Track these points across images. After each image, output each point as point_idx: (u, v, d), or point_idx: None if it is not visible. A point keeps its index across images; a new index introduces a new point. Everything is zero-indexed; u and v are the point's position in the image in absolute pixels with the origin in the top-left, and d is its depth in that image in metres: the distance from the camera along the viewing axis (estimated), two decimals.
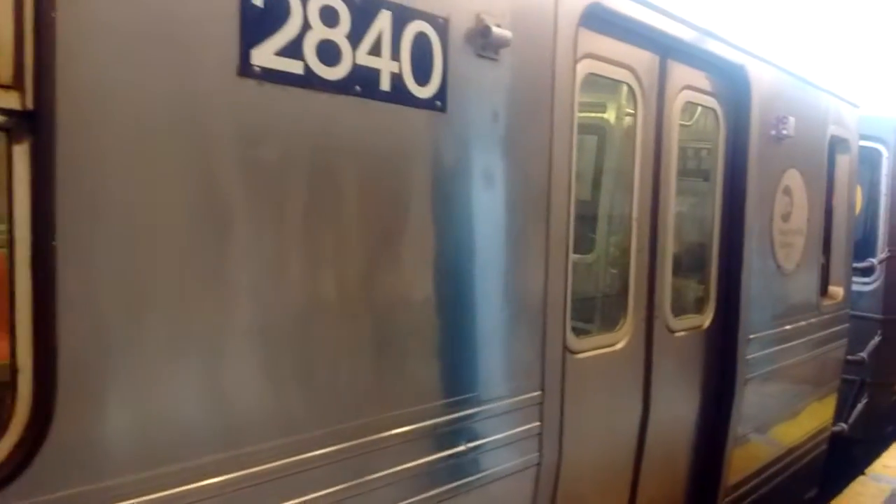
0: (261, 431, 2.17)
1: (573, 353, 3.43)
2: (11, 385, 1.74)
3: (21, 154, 1.67)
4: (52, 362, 1.74)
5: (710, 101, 4.51)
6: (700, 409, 4.67)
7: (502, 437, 2.98)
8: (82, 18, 1.72)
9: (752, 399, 4.85)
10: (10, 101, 1.64)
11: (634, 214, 3.94)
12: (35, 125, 1.67)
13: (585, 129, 4.66)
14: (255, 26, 2.03)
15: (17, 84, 1.64)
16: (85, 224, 1.77)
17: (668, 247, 4.25)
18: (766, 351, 4.97)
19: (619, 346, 3.84)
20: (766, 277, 4.92)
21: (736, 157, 4.54)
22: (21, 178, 1.68)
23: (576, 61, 3.11)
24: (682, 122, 6.54)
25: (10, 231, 1.69)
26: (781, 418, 5.52)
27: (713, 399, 4.71)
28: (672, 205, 4.28)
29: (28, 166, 1.68)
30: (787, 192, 5.05)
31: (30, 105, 1.66)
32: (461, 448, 2.80)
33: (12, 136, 1.67)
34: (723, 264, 4.64)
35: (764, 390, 5.06)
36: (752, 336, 4.75)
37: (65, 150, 1.70)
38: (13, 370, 1.73)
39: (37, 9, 1.64)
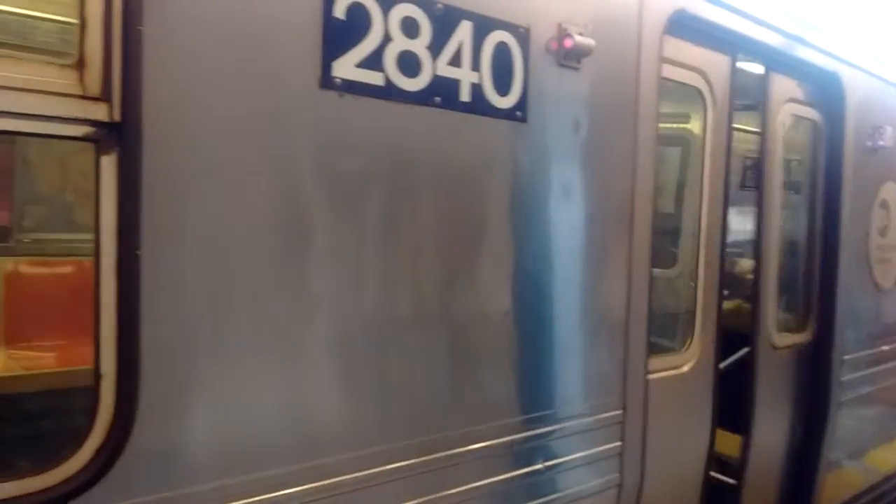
0: (338, 442, 2.17)
1: (653, 371, 3.32)
2: (95, 390, 1.78)
3: (108, 165, 1.71)
4: (135, 369, 1.77)
5: (810, 112, 4.33)
6: (792, 432, 4.47)
7: (581, 457, 2.89)
8: (168, 32, 1.75)
9: (846, 423, 4.61)
10: (99, 112, 1.67)
11: (703, 227, 3.76)
12: (122, 136, 1.70)
13: (668, 140, 4.53)
14: (337, 39, 2.03)
15: (105, 96, 1.68)
16: (168, 234, 1.80)
17: (773, 262, 4.08)
18: (862, 372, 4.72)
19: (687, 367, 3.68)
20: (862, 295, 4.69)
21: (830, 169, 4.34)
22: (108, 189, 1.71)
23: (660, 70, 3.02)
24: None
25: (97, 240, 1.73)
26: (877, 444, 5.25)
27: (805, 421, 4.50)
28: (777, 219, 4.05)
29: (115, 177, 1.71)
30: (884, 205, 4.81)
31: (117, 117, 1.69)
32: (538, 467, 2.73)
33: (100, 147, 1.70)
34: (817, 280, 4.45)
35: (859, 414, 4.81)
36: (846, 357, 4.53)
37: (150, 161, 1.74)
38: (97, 375, 1.77)
39: (125, 23, 1.68)
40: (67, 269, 5.33)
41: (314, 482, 2.10)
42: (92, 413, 1.78)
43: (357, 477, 2.20)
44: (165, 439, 1.84)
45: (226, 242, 1.91)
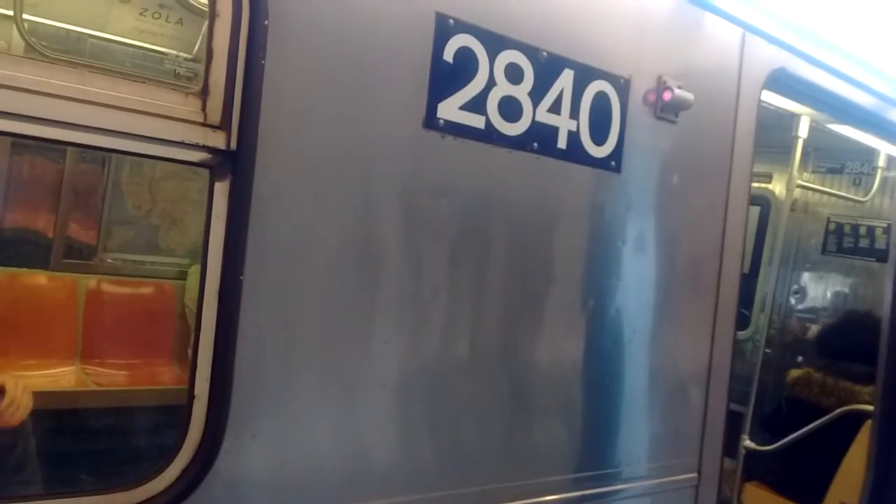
0: (396, 484, 2.15)
1: None
2: (187, 411, 1.80)
3: (221, 191, 1.75)
4: (228, 392, 1.79)
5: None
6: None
7: None
8: (288, 67, 1.80)
9: None
10: (217, 140, 1.72)
11: None
12: (236, 164, 1.75)
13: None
14: (444, 81, 2.07)
15: (224, 125, 1.73)
16: (270, 261, 1.83)
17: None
18: None
19: None
20: None
21: None
22: (219, 214, 1.76)
23: (756, 127, 2.98)
24: (857, 198, 6.22)
25: (204, 263, 1.77)
26: None
27: (880, 499, 4.30)
28: None
29: (226, 203, 1.76)
30: None
31: (233, 146, 1.74)
32: None
33: (215, 174, 1.75)
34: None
35: None
36: None
37: (260, 190, 1.77)
38: (190, 396, 1.79)
39: (248, 55, 1.73)
40: (148, 290, 5.48)
41: None
42: (182, 434, 1.80)
43: None
44: (248, 466, 1.85)
45: (323, 271, 1.94)
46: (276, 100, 1.78)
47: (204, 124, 1.71)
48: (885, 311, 4.32)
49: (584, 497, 2.57)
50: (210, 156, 1.73)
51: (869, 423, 4.54)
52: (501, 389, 2.36)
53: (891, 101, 3.80)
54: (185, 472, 1.78)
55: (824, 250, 6.66)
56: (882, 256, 5.45)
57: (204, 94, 1.71)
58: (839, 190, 6.43)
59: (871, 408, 4.53)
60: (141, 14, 5.14)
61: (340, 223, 1.96)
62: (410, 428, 2.16)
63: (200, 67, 1.76)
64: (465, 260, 2.22)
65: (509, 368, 2.37)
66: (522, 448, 2.42)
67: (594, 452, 2.63)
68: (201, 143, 1.70)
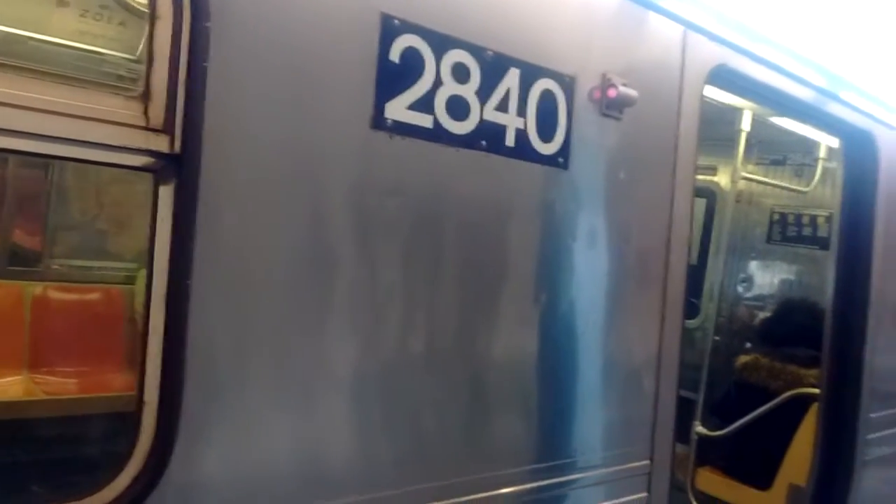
0: (355, 483, 2.15)
1: None
2: (136, 418, 1.78)
3: (166, 195, 1.74)
4: (178, 398, 1.77)
5: (841, 169, 4.35)
6: (813, 489, 4.41)
7: None
8: (232, 69, 1.79)
9: (871, 483, 4.53)
10: (160, 144, 1.71)
11: None
12: (180, 168, 1.73)
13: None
14: (391, 81, 2.07)
15: (167, 128, 1.71)
16: (218, 265, 1.82)
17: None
18: (889, 432, 4.65)
19: None
20: (891, 353, 4.63)
21: (861, 226, 4.33)
22: (164, 218, 1.74)
23: (699, 122, 3.04)
24: (800, 188, 6.39)
25: (150, 268, 1.75)
26: None
27: (828, 480, 4.43)
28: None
29: (171, 207, 1.74)
30: None
31: (177, 149, 1.72)
32: None
33: (159, 178, 1.74)
34: (840, 336, 4.40)
35: (885, 475, 4.72)
36: (873, 415, 4.46)
37: (205, 193, 1.76)
38: (139, 403, 1.77)
39: (190, 58, 1.72)
40: (97, 296, 5.39)
41: None
42: (131, 441, 1.78)
43: None
44: (201, 471, 1.84)
45: (269, 276, 1.93)
46: (220, 102, 1.77)
47: (146, 128, 1.69)
48: (828, 296, 4.46)
49: (540, 488, 2.61)
50: (153, 160, 1.71)
51: (815, 406, 4.68)
52: (457, 385, 2.38)
53: (829, 93, 3.91)
54: (136, 479, 1.76)
55: (769, 239, 6.84)
56: (824, 244, 5.62)
57: (146, 97, 1.69)
58: (782, 181, 6.60)
59: (816, 391, 4.67)
60: (82, 16, 5.03)
61: (290, 225, 1.95)
62: (366, 427, 2.16)
63: (144, 69, 1.74)
64: (417, 259, 2.23)
65: (464, 365, 2.39)
66: (479, 442, 2.45)
67: (549, 444, 2.67)
68: (144, 147, 1.69)
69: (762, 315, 6.71)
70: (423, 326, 2.27)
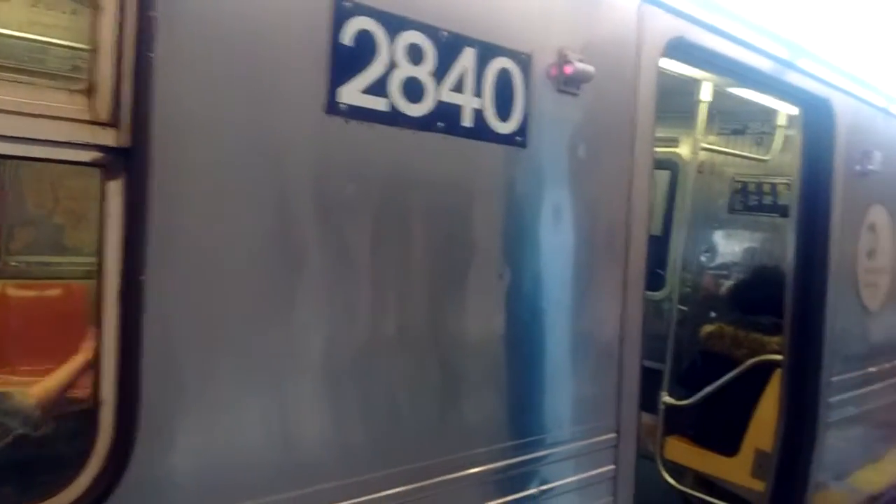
0: (327, 470, 2.15)
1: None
2: (94, 417, 1.75)
3: (115, 190, 1.70)
4: (136, 396, 1.75)
5: (801, 136, 4.39)
6: (780, 453, 4.50)
7: (575, 481, 2.88)
8: (180, 59, 1.75)
9: (833, 444, 4.64)
10: (107, 138, 1.66)
11: None
12: (129, 162, 1.69)
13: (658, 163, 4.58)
14: (344, 65, 2.04)
15: (113, 122, 1.67)
16: (173, 259, 1.79)
17: None
18: (850, 394, 4.76)
19: None
20: (851, 317, 4.73)
21: (819, 193, 4.39)
22: (113, 213, 1.70)
23: (656, 96, 3.05)
24: (760, 157, 6.45)
25: (100, 265, 1.71)
26: (864, 465, 5.28)
27: (792, 443, 4.52)
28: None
29: (121, 202, 1.70)
30: (872, 228, 4.86)
31: (125, 143, 1.68)
32: (532, 492, 2.72)
33: (107, 173, 1.69)
34: (801, 302, 4.48)
35: (846, 435, 4.84)
36: (834, 378, 4.56)
37: (156, 187, 1.73)
38: (96, 402, 1.75)
39: (137, 48, 1.68)
40: (56, 292, 5.28)
41: None
42: (90, 441, 1.75)
43: None
44: (165, 468, 1.82)
45: (229, 267, 1.90)
46: (168, 93, 1.73)
47: (92, 122, 1.64)
48: (788, 263, 4.52)
49: (508, 466, 2.63)
50: (101, 154, 1.67)
51: (779, 371, 4.76)
52: (426, 367, 2.38)
53: (786, 63, 3.94)
54: (97, 480, 1.74)
55: (731, 209, 6.91)
56: (785, 212, 5.67)
57: (91, 90, 1.65)
58: (742, 150, 6.66)
59: (780, 357, 4.75)
60: (33, 5, 4.88)
61: (247, 215, 1.92)
62: (333, 414, 2.16)
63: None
64: (379, 243, 2.21)
65: (431, 347, 2.39)
66: (449, 422, 2.45)
67: (516, 421, 2.68)
68: (90, 142, 1.64)
69: (727, 284, 6.80)
70: (387, 310, 2.26)
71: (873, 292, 4.95)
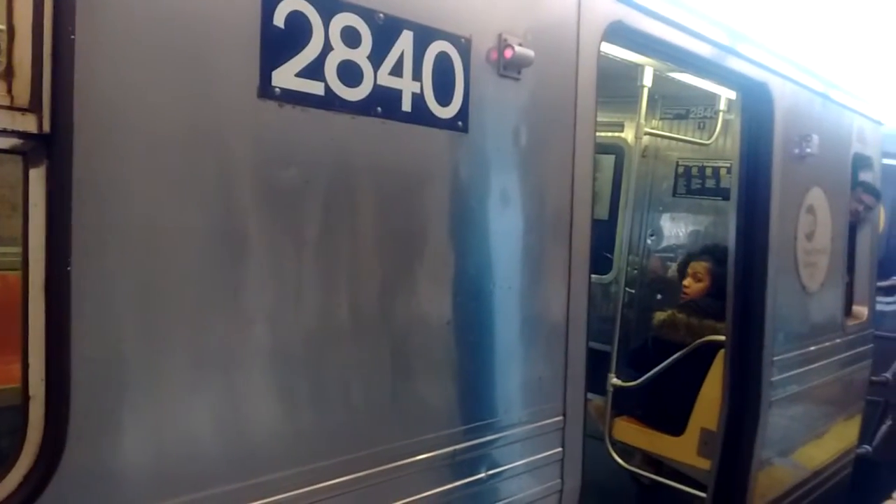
0: (278, 460, 2.12)
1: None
2: (23, 413, 1.70)
3: (37, 177, 1.63)
4: (66, 390, 1.70)
5: (740, 120, 4.45)
6: (725, 432, 4.59)
7: (523, 464, 2.91)
8: (103, 41, 1.69)
9: (776, 422, 4.75)
10: (27, 124, 1.60)
11: None
12: (51, 148, 1.64)
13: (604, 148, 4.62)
14: (277, 48, 1.99)
15: (33, 107, 1.61)
16: (101, 248, 1.74)
17: None
18: (791, 373, 4.87)
19: None
20: (791, 297, 4.84)
21: (759, 175, 4.47)
22: (36, 202, 1.64)
23: (597, 79, 3.06)
24: (702, 141, 6.55)
25: (25, 256, 1.65)
26: (806, 441, 5.42)
27: (736, 422, 4.62)
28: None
29: (43, 190, 1.64)
30: (811, 210, 4.97)
31: (46, 128, 1.62)
32: (481, 475, 2.74)
33: (28, 160, 1.63)
34: (744, 284, 4.56)
35: (788, 413, 4.96)
36: (776, 357, 4.66)
37: (81, 174, 1.67)
38: (25, 397, 1.69)
39: (55, 31, 1.61)
40: None
41: (255, 501, 2.06)
42: (20, 438, 1.70)
43: (297, 494, 2.16)
44: (98, 463, 1.77)
45: (162, 256, 1.85)
46: (92, 77, 1.67)
47: (11, 108, 1.57)
48: (729, 244, 4.61)
49: (455, 451, 2.63)
50: (21, 141, 1.60)
51: (722, 352, 4.86)
52: (372, 355, 2.36)
53: (724, 47, 3.99)
54: (27, 477, 1.69)
55: (675, 192, 7.01)
56: (727, 195, 5.77)
57: (8, 74, 1.58)
58: (685, 134, 6.76)
59: (723, 338, 4.84)
60: None
61: (180, 202, 1.87)
62: (278, 403, 2.13)
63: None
64: (318, 229, 2.18)
65: (377, 334, 2.37)
66: (397, 410, 2.45)
67: (464, 407, 2.69)
68: (9, 128, 1.57)
69: (673, 267, 6.89)
70: (329, 297, 2.23)
71: (812, 272, 5.07)
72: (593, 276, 3.31)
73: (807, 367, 5.09)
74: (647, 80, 4.99)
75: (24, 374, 1.68)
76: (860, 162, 5.88)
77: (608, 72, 3.15)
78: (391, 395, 2.42)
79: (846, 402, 5.94)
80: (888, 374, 7.27)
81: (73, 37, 1.63)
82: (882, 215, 7.12)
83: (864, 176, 6.07)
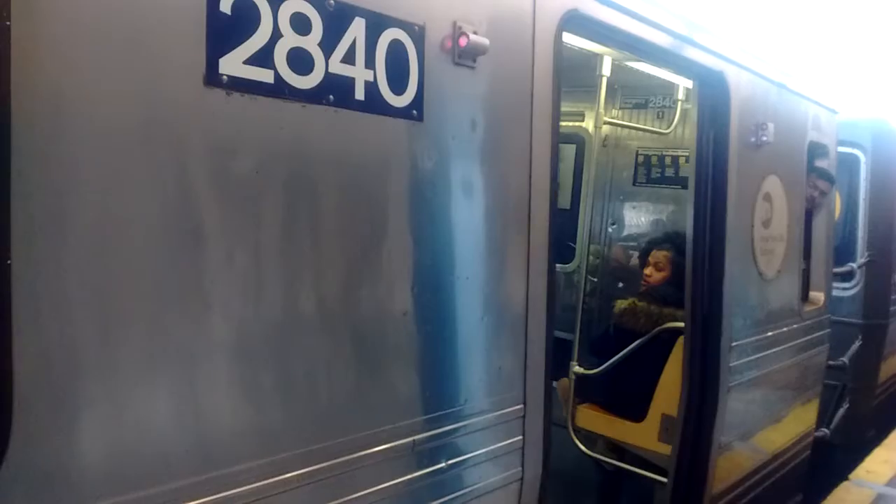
0: (239, 452, 2.10)
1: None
2: None
3: None
4: (7, 385, 1.65)
5: (694, 110, 4.50)
6: (684, 417, 4.64)
7: (483, 453, 2.91)
8: (41, 27, 1.64)
9: (735, 407, 4.82)
10: None
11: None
12: None
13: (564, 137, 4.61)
14: (224, 34, 1.96)
15: None
16: (44, 241, 1.69)
17: None
18: (749, 358, 4.94)
19: None
20: (748, 284, 4.90)
21: (716, 164, 4.51)
22: None
23: (556, 68, 3.06)
24: (661, 130, 6.60)
25: None
26: (765, 425, 5.50)
27: (696, 407, 4.67)
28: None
29: None
30: (768, 198, 5.03)
31: None
32: (441, 465, 2.73)
33: None
34: (702, 271, 4.61)
35: (747, 397, 5.03)
36: (734, 343, 4.72)
37: (20, 165, 1.62)
38: None
39: None
40: None
41: (215, 494, 2.03)
42: None
43: (259, 486, 2.14)
44: (45, 463, 1.73)
45: (108, 248, 1.81)
46: (29, 65, 1.62)
47: None
48: (687, 232, 4.65)
49: (416, 441, 2.63)
50: None
51: (682, 338, 4.91)
52: (333, 346, 2.34)
53: (680, 36, 4.01)
54: None
55: (635, 181, 7.07)
56: (686, 184, 5.82)
57: None
58: (645, 124, 6.81)
59: (682, 325, 4.89)
60: None
61: (125, 192, 1.83)
62: (235, 396, 2.10)
63: None
64: (270, 220, 2.15)
65: (335, 325, 2.35)
66: (357, 400, 2.43)
67: (424, 397, 2.68)
68: None
69: (635, 255, 6.94)
70: (283, 289, 2.20)
71: (769, 260, 5.14)
72: (557, 265, 3.32)
73: (764, 353, 5.16)
74: (606, 70, 5.01)
75: None
76: (816, 150, 5.97)
77: (567, 61, 3.15)
78: (350, 387, 2.40)
79: (804, 386, 6.04)
80: (845, 359, 7.41)
81: (7, 23, 1.58)
82: (838, 202, 7.25)
83: (820, 164, 6.16)
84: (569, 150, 7.18)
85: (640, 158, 7.01)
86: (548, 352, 3.19)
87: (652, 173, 6.93)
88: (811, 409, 6.39)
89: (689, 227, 4.61)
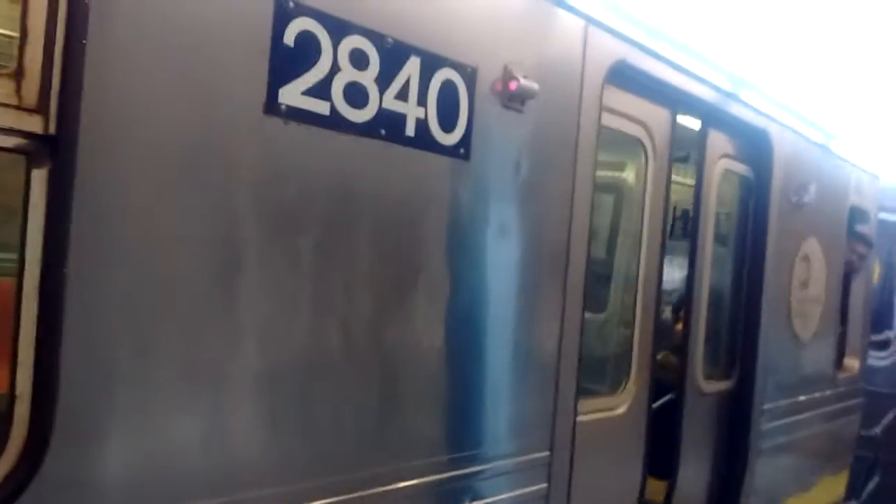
0: (262, 478, 2.10)
1: (585, 413, 3.33)
2: (8, 412, 1.68)
3: (39, 179, 1.64)
4: (53, 392, 1.68)
5: (741, 168, 4.47)
6: (715, 478, 4.55)
7: (507, 498, 2.88)
8: (114, 49, 1.71)
9: (764, 471, 4.72)
10: (33, 124, 1.61)
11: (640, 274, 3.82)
12: (55, 150, 1.64)
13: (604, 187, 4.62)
14: (285, 65, 2.02)
15: (41, 108, 1.62)
16: (98, 254, 1.73)
17: (703, 310, 4.17)
18: (781, 421, 4.85)
19: (622, 409, 3.72)
20: (783, 345, 4.83)
21: (756, 223, 4.49)
22: (37, 203, 1.65)
23: (600, 118, 3.09)
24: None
25: (21, 256, 1.65)
26: (792, 492, 5.37)
27: (726, 468, 4.59)
28: (707, 270, 4.16)
29: (44, 191, 1.65)
30: (806, 259, 4.99)
31: (52, 130, 1.63)
32: None
33: (31, 160, 1.64)
34: (737, 329, 4.56)
35: (777, 462, 4.92)
36: (766, 406, 4.64)
37: (83, 178, 1.68)
38: (11, 396, 1.68)
39: (67, 35, 1.63)
40: None
41: None
42: (4, 437, 1.68)
43: None
44: (80, 468, 1.75)
45: (157, 266, 1.85)
46: (100, 83, 1.68)
47: (19, 107, 1.59)
48: (723, 290, 4.60)
49: (440, 481, 2.61)
50: (26, 141, 1.61)
51: None
52: (361, 380, 2.35)
53: (725, 92, 4.03)
54: (7, 477, 1.67)
55: (671, 235, 7.01)
56: (724, 241, 5.78)
57: (18, 75, 1.60)
58: (685, 177, 6.77)
59: None
60: None
61: (180, 213, 1.88)
62: (263, 421, 2.11)
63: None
64: (316, 248, 2.18)
65: (369, 358, 2.36)
66: (383, 435, 2.43)
67: (451, 436, 2.68)
68: (16, 127, 1.59)
69: (668, 310, 6.86)
70: (322, 318, 2.23)
71: (805, 322, 5.07)
72: (589, 313, 3.31)
73: (796, 417, 5.06)
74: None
75: (12, 373, 1.67)
76: (857, 215, 5.92)
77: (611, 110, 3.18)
78: (378, 420, 2.40)
79: (835, 455, 5.91)
80: (878, 430, 7.24)
81: (84, 42, 1.64)
82: (877, 268, 7.15)
83: (861, 228, 6.10)
84: (608, 201, 7.16)
85: (678, 212, 6.96)
86: (577, 399, 3.16)
87: (689, 228, 6.87)
88: (841, 480, 6.23)
89: (725, 285, 4.58)
